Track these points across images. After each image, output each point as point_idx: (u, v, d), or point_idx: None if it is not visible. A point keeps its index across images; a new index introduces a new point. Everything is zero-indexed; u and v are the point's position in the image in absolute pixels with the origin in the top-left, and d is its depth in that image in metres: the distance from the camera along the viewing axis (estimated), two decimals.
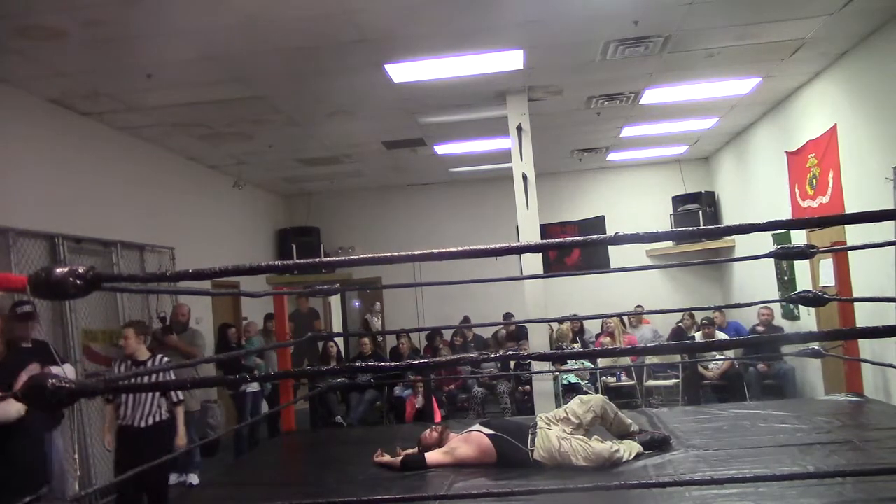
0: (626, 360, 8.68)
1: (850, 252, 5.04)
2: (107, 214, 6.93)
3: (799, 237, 7.51)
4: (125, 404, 4.89)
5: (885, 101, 6.06)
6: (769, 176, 8.92)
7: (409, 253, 1.95)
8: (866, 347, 5.82)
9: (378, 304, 12.40)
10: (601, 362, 8.49)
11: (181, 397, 5.10)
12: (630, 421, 3.87)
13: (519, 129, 7.11)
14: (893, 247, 5.60)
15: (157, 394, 4.90)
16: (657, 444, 3.70)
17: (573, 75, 6.81)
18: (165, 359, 5.07)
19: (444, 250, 1.98)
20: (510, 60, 6.21)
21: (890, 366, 4.77)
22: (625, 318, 9.90)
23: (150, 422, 4.87)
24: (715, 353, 7.72)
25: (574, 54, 6.25)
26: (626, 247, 8.57)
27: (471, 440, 3.73)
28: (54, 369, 4.60)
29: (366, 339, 9.13)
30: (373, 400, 8.61)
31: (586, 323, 10.22)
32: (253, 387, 7.83)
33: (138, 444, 4.77)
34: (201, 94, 6.46)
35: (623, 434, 3.79)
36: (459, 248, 1.95)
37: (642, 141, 9.96)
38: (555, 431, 3.60)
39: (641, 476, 3.30)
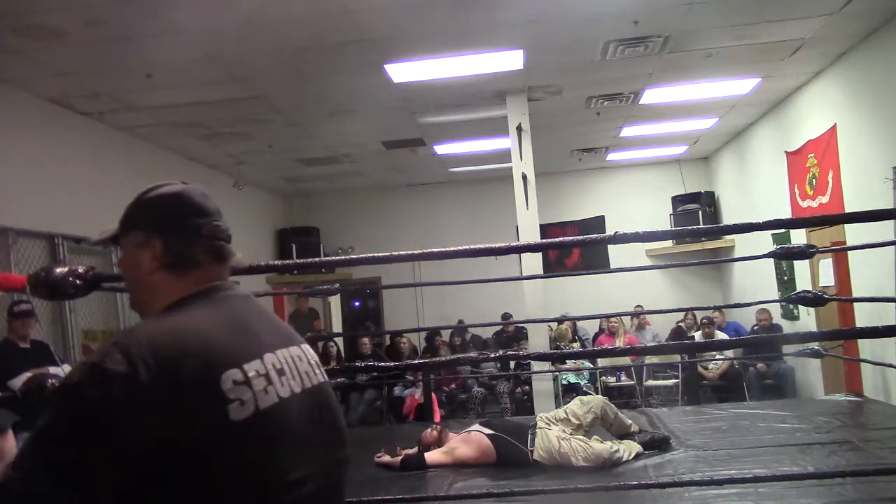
0: (626, 360, 8.68)
1: (849, 252, 5.04)
2: (106, 214, 6.80)
3: (799, 237, 7.50)
4: None
5: (885, 101, 6.06)
6: (769, 176, 8.91)
7: (409, 252, 1.95)
8: (866, 347, 5.83)
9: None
10: (601, 362, 8.49)
11: None
12: (630, 421, 3.88)
13: (519, 129, 7.11)
14: (893, 247, 5.60)
15: None
16: (657, 444, 3.71)
17: (573, 75, 6.80)
18: None
19: (443, 250, 1.98)
20: (510, 60, 6.21)
21: (890, 366, 4.77)
22: (625, 320, 9.88)
23: None
24: (715, 353, 7.72)
25: (574, 54, 6.24)
26: (625, 247, 8.56)
27: (470, 440, 3.73)
28: (53, 369, 4.59)
29: (365, 339, 9.13)
30: (372, 400, 8.61)
31: (584, 322, 10.21)
32: None
33: None
34: (201, 94, 6.46)
35: (623, 434, 3.80)
36: (459, 248, 1.94)
37: (642, 141, 9.95)
38: (554, 432, 3.60)
39: (641, 476, 3.30)
